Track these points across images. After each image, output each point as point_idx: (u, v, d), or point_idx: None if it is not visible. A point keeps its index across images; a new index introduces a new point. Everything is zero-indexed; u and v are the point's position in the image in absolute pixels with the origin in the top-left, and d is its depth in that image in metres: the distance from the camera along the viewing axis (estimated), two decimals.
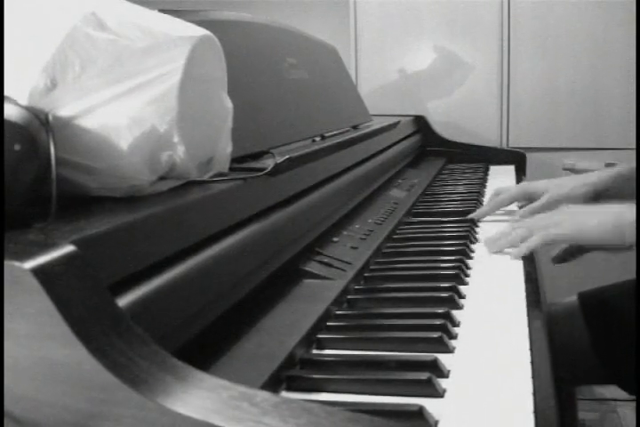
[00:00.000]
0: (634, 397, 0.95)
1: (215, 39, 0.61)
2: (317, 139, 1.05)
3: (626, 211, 0.80)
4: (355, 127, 1.31)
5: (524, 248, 0.83)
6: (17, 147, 0.43)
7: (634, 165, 1.05)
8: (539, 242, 0.83)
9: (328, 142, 0.98)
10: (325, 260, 0.77)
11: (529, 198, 1.08)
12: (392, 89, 2.12)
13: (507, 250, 0.87)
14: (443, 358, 0.54)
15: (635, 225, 0.77)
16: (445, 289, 0.71)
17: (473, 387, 0.50)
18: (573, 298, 1.02)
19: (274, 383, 0.50)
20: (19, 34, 0.51)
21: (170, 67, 0.54)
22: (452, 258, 0.83)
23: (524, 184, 1.14)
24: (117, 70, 0.52)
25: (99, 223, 0.44)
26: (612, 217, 0.80)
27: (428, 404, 0.46)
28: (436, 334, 0.58)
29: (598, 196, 1.03)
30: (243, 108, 0.75)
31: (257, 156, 0.78)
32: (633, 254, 0.81)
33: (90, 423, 0.36)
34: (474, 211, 1.09)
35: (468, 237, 0.94)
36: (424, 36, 2.07)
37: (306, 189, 0.81)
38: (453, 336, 0.60)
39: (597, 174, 1.06)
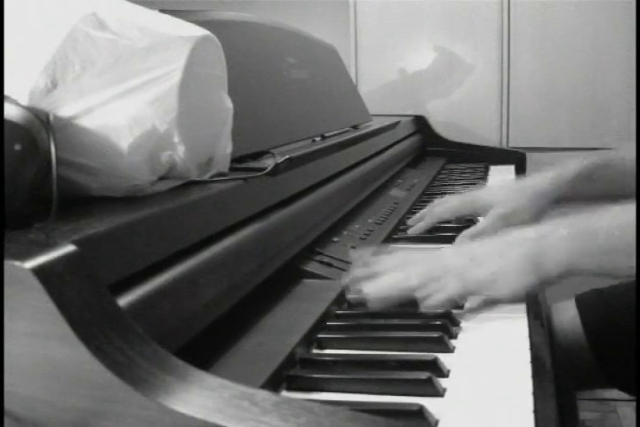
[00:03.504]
0: (634, 397, 0.95)
1: (215, 39, 0.61)
2: (317, 139, 1.05)
3: (540, 240, 0.64)
4: (355, 127, 1.31)
5: (439, 301, 0.63)
6: (17, 147, 0.44)
7: (598, 159, 0.95)
8: (451, 294, 0.63)
9: (328, 142, 0.98)
10: (325, 260, 0.77)
11: (475, 212, 0.97)
12: (392, 89, 2.12)
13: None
14: (443, 357, 0.54)
15: (561, 250, 0.63)
16: None
17: (473, 387, 0.50)
18: (571, 301, 1.01)
19: (274, 383, 0.50)
20: (19, 34, 0.51)
21: (170, 67, 0.54)
22: None
23: (467, 197, 0.98)
24: (118, 70, 0.52)
25: (99, 223, 0.44)
26: (527, 255, 0.64)
27: (429, 403, 0.46)
28: (436, 334, 0.58)
29: (554, 202, 0.92)
30: (243, 108, 0.75)
31: (257, 156, 0.78)
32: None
33: (90, 423, 0.36)
34: None
35: None
36: (424, 36, 2.07)
37: (306, 188, 0.81)
38: (453, 336, 0.60)
39: (550, 180, 0.93)
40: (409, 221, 1.01)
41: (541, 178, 0.95)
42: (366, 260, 0.72)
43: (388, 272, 0.67)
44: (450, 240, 0.89)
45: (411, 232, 0.97)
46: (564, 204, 0.94)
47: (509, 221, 0.90)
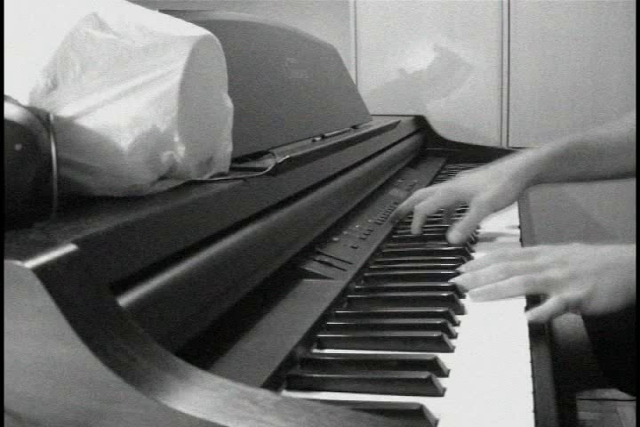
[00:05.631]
0: (634, 397, 0.95)
1: (215, 39, 0.61)
2: (317, 139, 1.05)
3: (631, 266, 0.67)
4: (355, 127, 1.32)
5: (543, 314, 0.64)
6: (18, 147, 0.44)
7: (574, 138, 0.97)
8: (555, 309, 0.65)
9: (328, 142, 0.98)
10: (325, 259, 0.77)
11: (459, 202, 0.98)
12: (392, 89, 2.12)
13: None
14: (443, 357, 0.54)
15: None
16: (445, 289, 0.71)
17: (473, 386, 0.50)
18: None
19: (274, 383, 0.50)
20: (19, 34, 0.51)
21: (170, 67, 0.54)
22: (453, 258, 0.83)
23: (447, 188, 0.97)
24: (118, 70, 0.52)
25: (99, 223, 0.44)
26: (622, 280, 0.67)
27: (429, 403, 0.46)
28: (436, 334, 0.58)
29: (532, 183, 0.94)
30: (243, 108, 0.75)
31: (257, 156, 0.78)
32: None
33: (91, 422, 0.36)
34: None
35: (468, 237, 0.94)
36: (424, 36, 2.07)
37: (306, 189, 0.81)
38: (453, 335, 0.60)
39: (523, 161, 0.94)
40: (392, 217, 1.02)
41: (514, 160, 0.96)
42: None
43: (491, 278, 0.71)
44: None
45: (413, 233, 0.96)
46: (543, 184, 0.96)
47: (495, 206, 0.92)
